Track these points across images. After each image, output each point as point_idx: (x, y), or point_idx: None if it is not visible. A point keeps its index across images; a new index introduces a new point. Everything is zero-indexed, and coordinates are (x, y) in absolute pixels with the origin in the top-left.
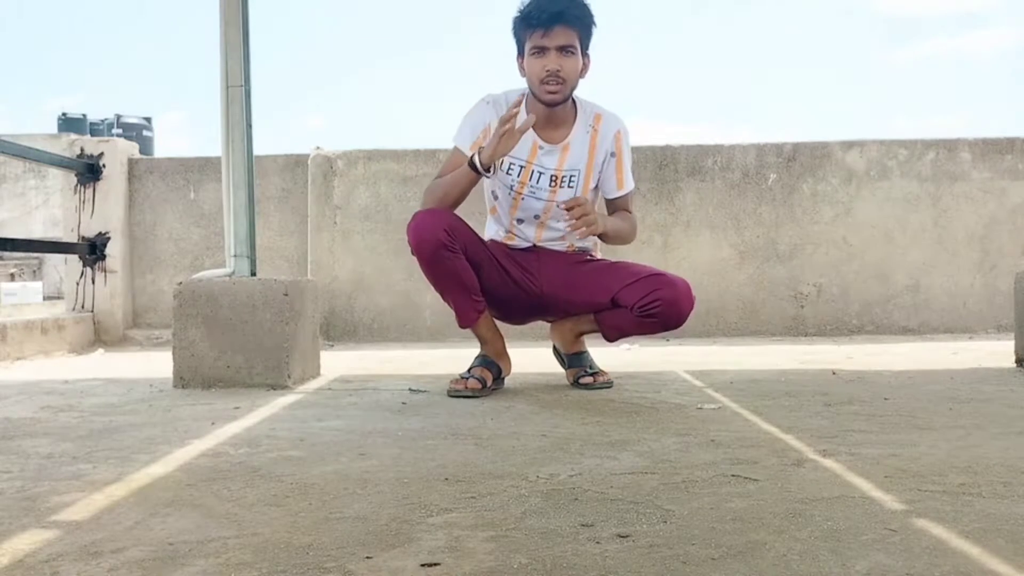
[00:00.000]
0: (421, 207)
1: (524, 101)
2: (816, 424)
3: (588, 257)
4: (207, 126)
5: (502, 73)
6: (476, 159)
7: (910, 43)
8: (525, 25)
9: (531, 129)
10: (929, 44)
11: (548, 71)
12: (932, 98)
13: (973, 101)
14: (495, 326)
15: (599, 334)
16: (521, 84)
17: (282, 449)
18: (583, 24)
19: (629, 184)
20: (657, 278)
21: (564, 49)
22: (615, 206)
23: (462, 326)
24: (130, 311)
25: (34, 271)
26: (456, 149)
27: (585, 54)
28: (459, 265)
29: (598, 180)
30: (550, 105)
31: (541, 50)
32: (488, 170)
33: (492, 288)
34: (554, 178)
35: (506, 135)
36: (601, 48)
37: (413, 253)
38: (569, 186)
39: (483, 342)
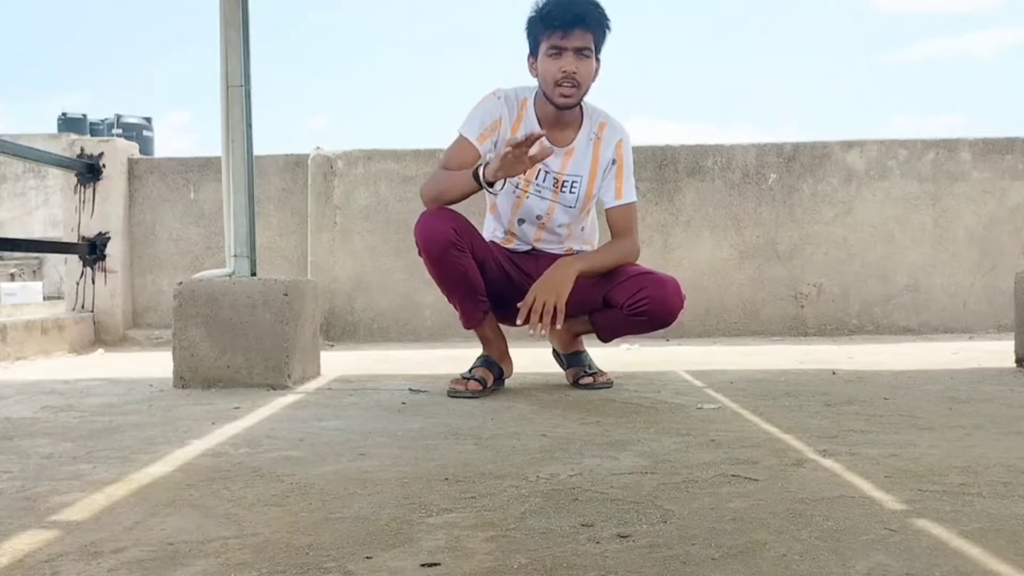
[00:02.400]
0: (422, 194)
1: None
2: (816, 424)
3: None
4: (211, 126)
5: (503, 74)
6: (481, 172)
7: (910, 43)
8: (543, 25)
9: (539, 128)
10: (929, 44)
11: (564, 72)
12: (932, 98)
13: (973, 101)
14: (498, 327)
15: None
16: (530, 83)
17: (282, 449)
18: (601, 28)
19: (629, 195)
20: (645, 276)
21: (581, 51)
22: (612, 219)
23: (467, 327)
24: (130, 311)
25: (34, 271)
26: (462, 138)
27: (597, 58)
28: (467, 265)
29: (599, 189)
30: (562, 108)
31: (558, 51)
32: (491, 185)
33: (494, 290)
34: (556, 181)
35: (516, 158)
36: (604, 48)
37: (420, 253)
38: (571, 191)
39: (486, 343)
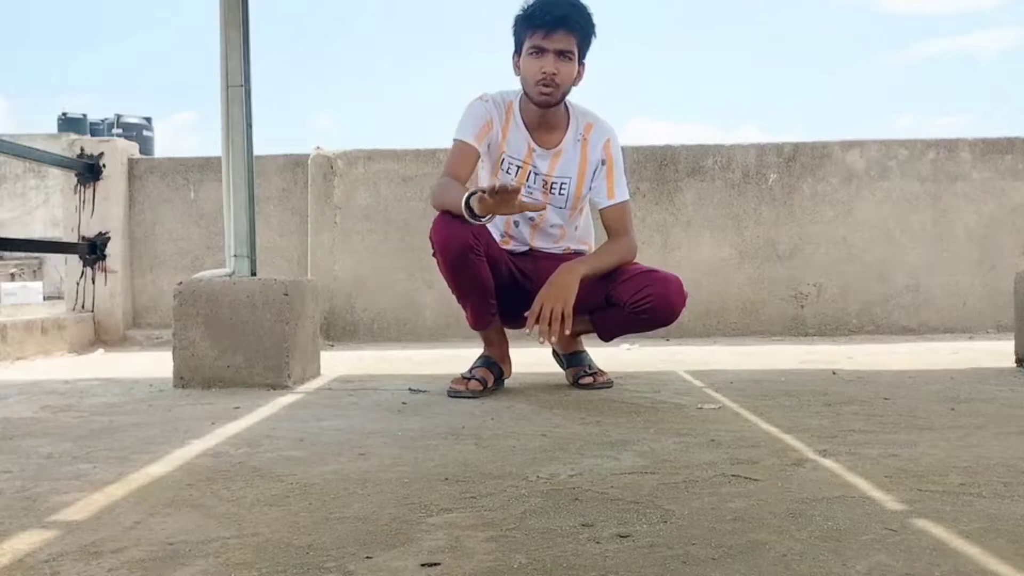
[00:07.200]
0: (431, 201)
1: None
2: (816, 424)
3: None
4: (216, 125)
5: (506, 74)
6: (473, 204)
7: (911, 43)
8: (527, 24)
9: (526, 131)
10: (930, 44)
11: (544, 73)
12: (933, 98)
13: (974, 101)
14: (503, 329)
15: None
16: (515, 86)
17: (282, 449)
18: (584, 32)
19: (622, 194)
20: (648, 274)
21: (562, 53)
22: (607, 219)
23: (474, 328)
24: (130, 311)
25: (34, 271)
26: (461, 142)
27: (581, 62)
28: (481, 268)
29: (589, 189)
30: (542, 107)
31: (539, 51)
32: (480, 217)
33: (500, 290)
34: (545, 183)
35: (503, 200)
36: (607, 50)
37: (436, 255)
38: (560, 193)
39: (489, 344)
